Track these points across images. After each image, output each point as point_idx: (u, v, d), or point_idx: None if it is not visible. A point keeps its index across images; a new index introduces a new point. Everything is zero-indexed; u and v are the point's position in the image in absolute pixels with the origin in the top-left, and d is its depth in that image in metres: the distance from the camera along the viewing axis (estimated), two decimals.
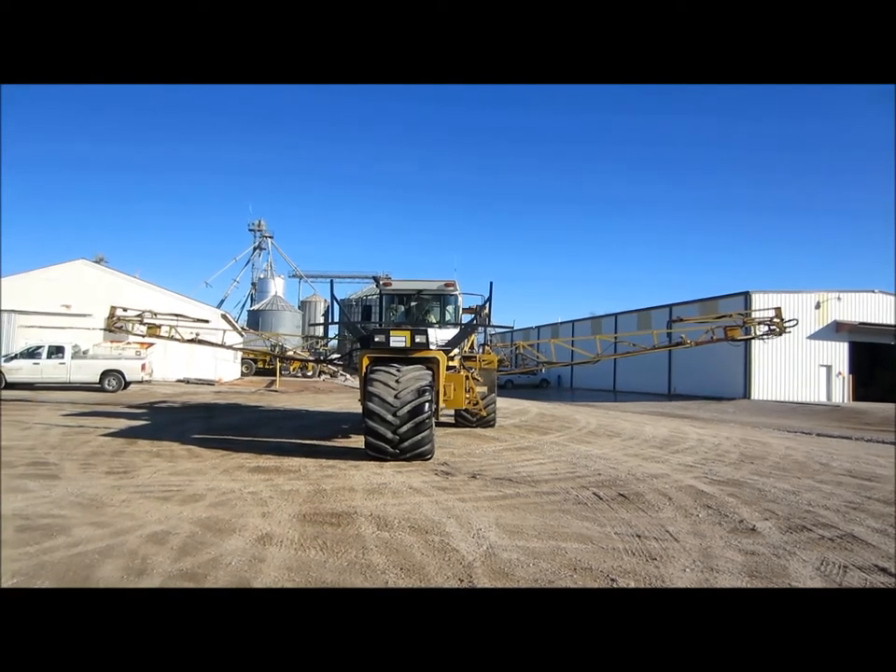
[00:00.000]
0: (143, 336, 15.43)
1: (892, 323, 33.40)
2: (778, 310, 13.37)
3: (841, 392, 33.67)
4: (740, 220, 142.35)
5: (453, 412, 13.79)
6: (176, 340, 15.20)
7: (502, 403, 19.47)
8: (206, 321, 16.38)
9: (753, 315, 14.40)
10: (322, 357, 25.69)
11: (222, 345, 16.52)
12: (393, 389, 8.55)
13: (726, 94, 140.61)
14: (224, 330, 17.14)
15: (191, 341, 15.44)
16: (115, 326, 14.71)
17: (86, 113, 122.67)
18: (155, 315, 15.02)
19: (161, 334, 14.95)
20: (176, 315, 15.69)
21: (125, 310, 14.94)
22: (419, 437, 8.62)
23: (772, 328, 13.34)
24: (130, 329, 14.98)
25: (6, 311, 28.35)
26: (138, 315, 14.86)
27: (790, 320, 13.13)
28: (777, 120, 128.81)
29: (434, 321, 12.38)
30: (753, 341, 30.39)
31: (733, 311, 17.88)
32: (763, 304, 27.40)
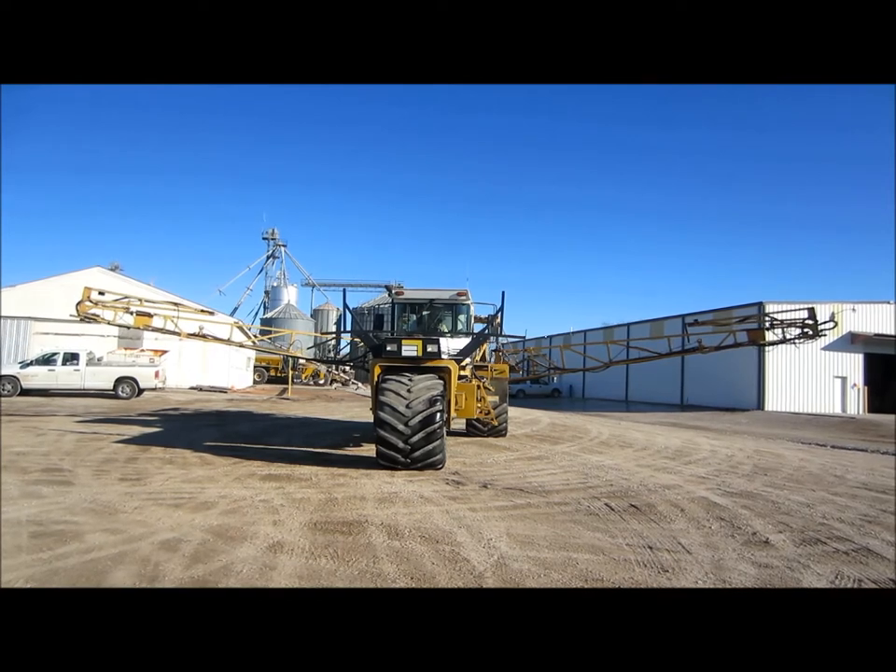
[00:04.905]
0: (129, 328, 13.02)
1: None
2: (812, 310, 11.86)
3: (856, 404, 33.32)
4: (751, 232, 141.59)
5: (464, 421, 13.78)
6: (173, 333, 12.81)
7: (514, 413, 19.43)
8: (211, 312, 14.42)
9: (783, 317, 12.62)
10: (334, 358, 25.35)
11: (229, 342, 14.18)
12: (404, 399, 8.56)
13: (735, 106, 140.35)
14: (233, 325, 15.39)
15: (194, 335, 13.04)
16: (88, 313, 11.92)
17: (93, 116, 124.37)
18: (142, 301, 12.63)
19: (155, 325, 12.58)
20: (175, 305, 13.15)
21: (102, 293, 12.22)
22: (430, 446, 8.62)
23: (805, 330, 11.95)
24: (111, 320, 12.36)
25: (22, 318, 28.68)
26: (119, 300, 12.45)
27: (825, 321, 11.85)
28: (787, 132, 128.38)
29: (446, 330, 12.37)
30: (768, 352, 30.68)
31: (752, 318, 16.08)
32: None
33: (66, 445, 10.71)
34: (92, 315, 12.04)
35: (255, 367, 44.10)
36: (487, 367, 13.20)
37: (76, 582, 4.11)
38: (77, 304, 11.74)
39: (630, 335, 42.69)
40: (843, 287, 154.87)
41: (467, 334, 12.13)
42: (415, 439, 8.52)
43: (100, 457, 9.45)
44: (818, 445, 16.51)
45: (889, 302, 34.68)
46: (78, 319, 12.00)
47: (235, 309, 74.50)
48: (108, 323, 12.50)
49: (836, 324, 12.43)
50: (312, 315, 70.12)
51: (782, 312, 12.68)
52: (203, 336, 13.23)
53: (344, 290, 12.62)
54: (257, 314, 76.05)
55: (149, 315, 12.45)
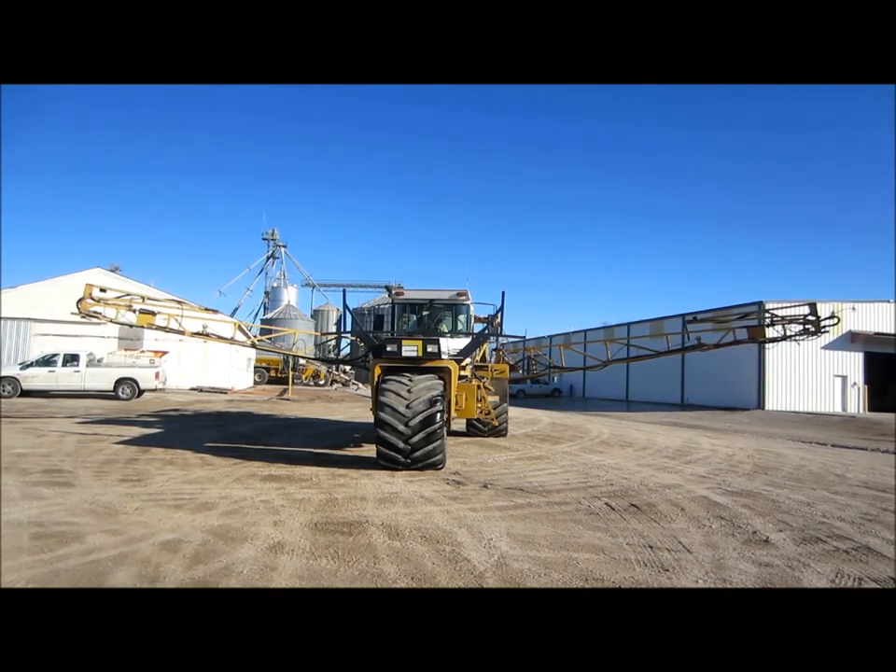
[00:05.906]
0: (131, 326, 12.46)
1: None
2: (813, 306, 11.46)
3: (856, 403, 33.32)
4: (751, 232, 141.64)
5: (464, 421, 13.77)
6: (177, 332, 12.35)
7: (514, 413, 19.43)
8: (215, 311, 13.81)
9: (784, 313, 12.12)
10: (335, 357, 25.30)
11: (233, 341, 13.86)
12: (405, 399, 8.56)
13: (735, 106, 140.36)
14: (236, 323, 15.50)
15: (198, 334, 12.59)
16: (89, 310, 11.44)
17: (94, 115, 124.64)
18: (145, 299, 12.30)
19: (158, 323, 12.22)
20: (178, 302, 12.73)
21: (104, 290, 11.84)
22: (431, 446, 8.62)
23: (807, 327, 11.54)
24: (113, 318, 11.88)
25: (22, 319, 28.69)
26: (121, 297, 12.08)
27: (827, 318, 11.35)
28: (787, 132, 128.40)
29: (446, 330, 12.37)
30: (768, 350, 30.63)
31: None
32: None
33: (67, 446, 10.70)
34: (94, 312, 11.61)
35: (255, 367, 44.10)
36: (487, 367, 13.20)
37: (77, 584, 4.11)
38: (79, 302, 11.32)
39: (630, 335, 42.62)
40: (843, 286, 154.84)
41: (467, 334, 12.12)
42: (416, 439, 8.52)
43: (100, 458, 9.45)
44: (818, 444, 16.50)
45: (889, 301, 34.68)
46: (80, 317, 11.55)
47: (235, 310, 74.67)
48: (110, 321, 12.06)
49: (839, 320, 11.90)
50: (312, 316, 70.10)
51: (782, 308, 12.44)
52: (207, 335, 12.81)
53: (344, 291, 12.63)
54: (257, 314, 76.08)
55: (153, 314, 12.06)
